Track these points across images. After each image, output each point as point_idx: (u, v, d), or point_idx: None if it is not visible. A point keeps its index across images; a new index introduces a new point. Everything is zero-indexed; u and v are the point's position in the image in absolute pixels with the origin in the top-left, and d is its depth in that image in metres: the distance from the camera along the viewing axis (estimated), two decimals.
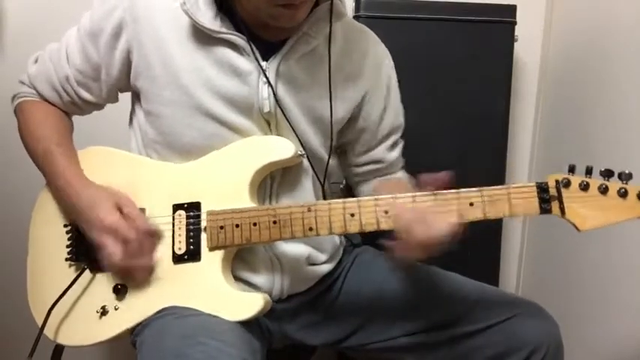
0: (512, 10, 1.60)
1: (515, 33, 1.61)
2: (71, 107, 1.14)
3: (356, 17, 1.57)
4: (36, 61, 1.13)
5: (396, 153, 1.24)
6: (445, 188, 0.94)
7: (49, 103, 1.12)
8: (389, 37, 1.52)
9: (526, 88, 1.84)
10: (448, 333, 1.08)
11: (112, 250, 0.96)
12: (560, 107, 1.72)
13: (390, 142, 1.21)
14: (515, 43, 1.63)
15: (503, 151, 1.66)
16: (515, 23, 1.61)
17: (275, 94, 1.02)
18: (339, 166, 1.26)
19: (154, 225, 1.01)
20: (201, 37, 1.00)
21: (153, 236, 1.00)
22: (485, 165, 1.63)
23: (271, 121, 1.05)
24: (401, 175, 1.26)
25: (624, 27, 1.39)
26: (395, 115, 1.21)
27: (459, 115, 1.61)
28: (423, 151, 1.55)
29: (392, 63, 1.20)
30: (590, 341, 1.47)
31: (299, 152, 1.04)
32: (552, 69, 1.77)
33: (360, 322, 1.15)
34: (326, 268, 1.16)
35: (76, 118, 1.18)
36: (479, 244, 1.65)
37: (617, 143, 1.38)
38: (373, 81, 1.15)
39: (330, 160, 1.13)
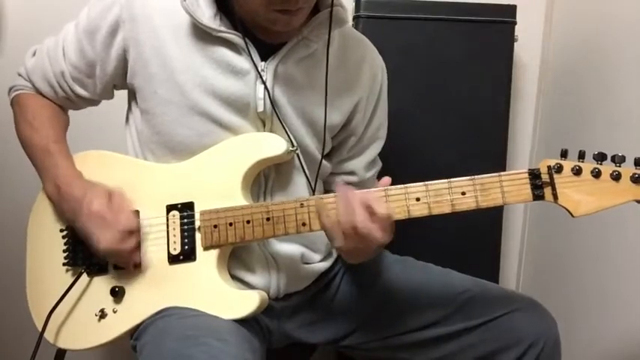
0: (512, 10, 1.60)
1: (515, 33, 1.61)
2: (66, 102, 1.14)
3: (356, 17, 1.57)
4: (34, 55, 1.13)
5: (372, 174, 1.23)
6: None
7: (45, 97, 1.13)
8: (389, 37, 1.53)
9: (526, 88, 1.83)
10: (446, 329, 1.09)
11: (98, 235, 0.97)
12: (560, 107, 1.71)
13: (369, 156, 1.20)
14: (515, 43, 1.62)
15: (504, 151, 1.65)
16: (515, 23, 1.60)
17: (270, 95, 1.02)
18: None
19: (138, 223, 1.01)
20: (200, 35, 1.01)
21: (137, 228, 1.01)
22: (486, 165, 1.62)
23: (266, 121, 1.05)
24: None
25: (624, 27, 1.39)
26: (378, 126, 1.20)
27: (459, 115, 1.61)
28: (423, 151, 1.56)
29: (386, 75, 1.20)
30: (591, 338, 1.47)
31: (291, 148, 1.04)
32: (552, 69, 1.77)
33: (357, 321, 1.15)
34: (322, 266, 1.17)
35: (73, 118, 1.18)
36: (479, 241, 1.66)
37: (617, 143, 1.38)
38: (367, 89, 1.15)
39: (323, 162, 1.13)
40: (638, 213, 1.26)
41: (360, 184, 1.20)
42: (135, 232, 1.01)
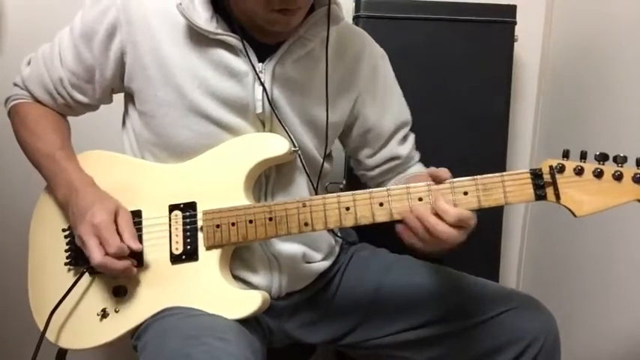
0: (512, 10, 1.60)
1: (515, 33, 1.61)
2: (65, 109, 1.14)
3: (356, 17, 1.57)
4: (29, 63, 1.12)
5: (409, 146, 1.24)
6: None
7: (43, 104, 1.12)
8: (389, 37, 1.53)
9: (526, 88, 1.84)
10: (445, 327, 1.09)
11: (92, 249, 0.95)
12: (560, 107, 1.71)
13: (399, 136, 1.21)
14: (515, 43, 1.63)
15: (504, 151, 1.65)
16: (515, 23, 1.60)
17: (268, 96, 1.02)
18: (355, 172, 1.27)
19: (139, 244, 0.98)
20: (197, 37, 1.00)
21: (135, 249, 0.98)
22: (486, 165, 1.61)
23: (266, 123, 1.05)
24: (417, 168, 1.25)
25: (624, 27, 1.39)
26: (398, 112, 1.21)
27: (459, 115, 1.61)
28: (422, 151, 1.55)
29: (388, 62, 1.20)
30: (591, 337, 1.47)
31: (293, 148, 1.04)
32: (552, 69, 1.77)
33: (358, 319, 1.15)
34: (322, 265, 1.17)
35: (71, 121, 1.17)
36: (479, 240, 1.64)
37: (617, 143, 1.38)
38: (368, 83, 1.15)
39: (325, 163, 1.13)
40: (639, 212, 1.27)
41: (403, 164, 1.23)
42: (129, 255, 0.97)
